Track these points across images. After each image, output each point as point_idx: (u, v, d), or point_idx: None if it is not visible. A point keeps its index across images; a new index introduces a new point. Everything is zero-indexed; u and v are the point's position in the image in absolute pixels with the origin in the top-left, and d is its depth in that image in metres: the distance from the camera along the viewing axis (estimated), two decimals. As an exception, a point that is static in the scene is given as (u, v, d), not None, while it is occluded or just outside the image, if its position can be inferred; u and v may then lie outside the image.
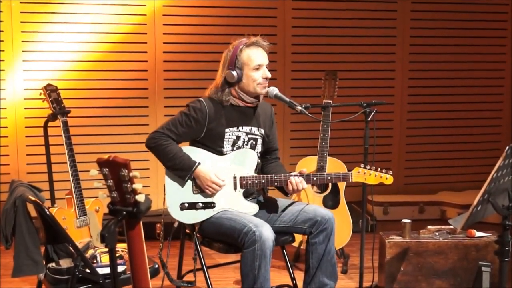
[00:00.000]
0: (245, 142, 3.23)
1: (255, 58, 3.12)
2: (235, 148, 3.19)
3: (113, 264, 1.94)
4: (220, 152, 3.17)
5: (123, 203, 1.87)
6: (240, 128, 3.20)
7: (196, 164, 3.07)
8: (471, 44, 6.06)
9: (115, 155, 1.83)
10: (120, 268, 2.84)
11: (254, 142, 3.26)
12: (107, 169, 1.84)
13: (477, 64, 6.11)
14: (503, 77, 6.18)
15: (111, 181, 1.85)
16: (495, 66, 6.15)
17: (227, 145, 3.17)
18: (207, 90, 3.22)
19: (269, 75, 3.16)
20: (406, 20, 5.91)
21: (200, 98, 3.17)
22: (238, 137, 3.20)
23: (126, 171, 1.81)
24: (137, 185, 1.84)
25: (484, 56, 6.12)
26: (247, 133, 3.23)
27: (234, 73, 3.11)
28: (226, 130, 3.15)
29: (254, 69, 3.12)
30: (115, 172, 1.82)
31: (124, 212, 1.87)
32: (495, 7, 6.05)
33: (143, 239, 1.95)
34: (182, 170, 3.07)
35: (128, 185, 1.83)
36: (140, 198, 1.85)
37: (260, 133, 3.29)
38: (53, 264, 2.97)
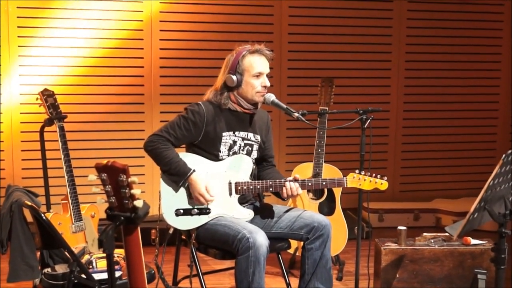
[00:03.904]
0: (241, 148, 3.23)
1: (257, 66, 3.13)
2: (231, 153, 3.20)
3: (111, 270, 1.94)
4: (217, 157, 3.17)
5: (121, 209, 1.87)
6: (237, 133, 3.21)
7: (191, 171, 3.07)
8: (466, 52, 6.08)
9: (114, 160, 1.83)
10: (116, 274, 2.83)
11: (250, 148, 3.27)
12: (105, 174, 1.83)
13: (472, 72, 6.14)
14: (498, 85, 6.20)
15: (109, 186, 1.85)
16: (490, 74, 6.17)
17: (223, 149, 3.18)
18: (207, 92, 3.23)
19: (268, 84, 3.17)
20: (402, 27, 5.94)
21: (199, 102, 3.18)
22: (234, 142, 3.20)
23: (125, 176, 1.81)
24: (136, 190, 1.84)
25: (479, 64, 6.14)
26: (243, 139, 3.23)
27: (234, 78, 3.12)
28: (224, 133, 3.16)
29: (254, 77, 3.13)
30: (114, 177, 1.82)
31: (122, 218, 1.87)
32: (490, 16, 6.08)
33: (141, 245, 1.95)
34: (177, 175, 3.07)
35: (127, 191, 1.83)
36: (138, 203, 1.85)
37: (256, 139, 3.29)
38: (49, 270, 2.97)
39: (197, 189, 3.06)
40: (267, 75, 3.18)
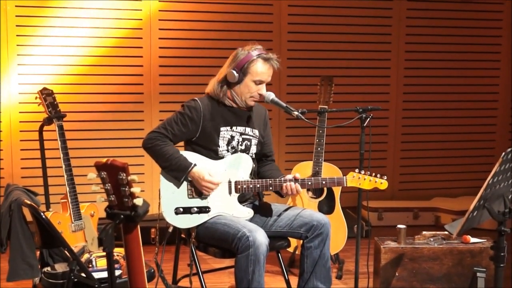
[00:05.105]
0: (240, 143, 3.23)
1: (262, 74, 3.14)
2: (230, 148, 3.19)
3: (110, 268, 1.94)
4: (216, 152, 3.17)
5: (121, 207, 1.87)
6: (234, 128, 3.21)
7: (192, 165, 3.07)
8: (465, 51, 6.09)
9: (114, 159, 1.83)
10: (116, 273, 2.83)
11: (248, 143, 3.26)
12: (105, 173, 1.83)
13: (471, 71, 6.14)
14: (498, 84, 6.21)
15: (109, 184, 1.85)
16: (489, 73, 6.18)
17: (222, 144, 3.17)
18: (209, 83, 3.24)
19: (264, 93, 3.18)
20: (401, 26, 5.94)
21: (195, 98, 3.19)
22: (232, 137, 3.20)
23: (124, 174, 1.81)
24: (135, 189, 1.84)
25: (479, 63, 6.14)
26: (241, 134, 3.23)
27: (236, 75, 3.12)
28: (221, 128, 3.17)
29: (254, 82, 3.13)
30: (113, 175, 1.82)
31: (122, 216, 1.87)
32: (490, 15, 6.08)
33: (141, 243, 1.94)
34: (178, 171, 3.07)
35: (126, 189, 1.83)
36: (138, 201, 1.85)
37: (254, 134, 3.29)
38: (48, 269, 2.96)
39: (201, 179, 3.05)
40: (266, 84, 3.19)
